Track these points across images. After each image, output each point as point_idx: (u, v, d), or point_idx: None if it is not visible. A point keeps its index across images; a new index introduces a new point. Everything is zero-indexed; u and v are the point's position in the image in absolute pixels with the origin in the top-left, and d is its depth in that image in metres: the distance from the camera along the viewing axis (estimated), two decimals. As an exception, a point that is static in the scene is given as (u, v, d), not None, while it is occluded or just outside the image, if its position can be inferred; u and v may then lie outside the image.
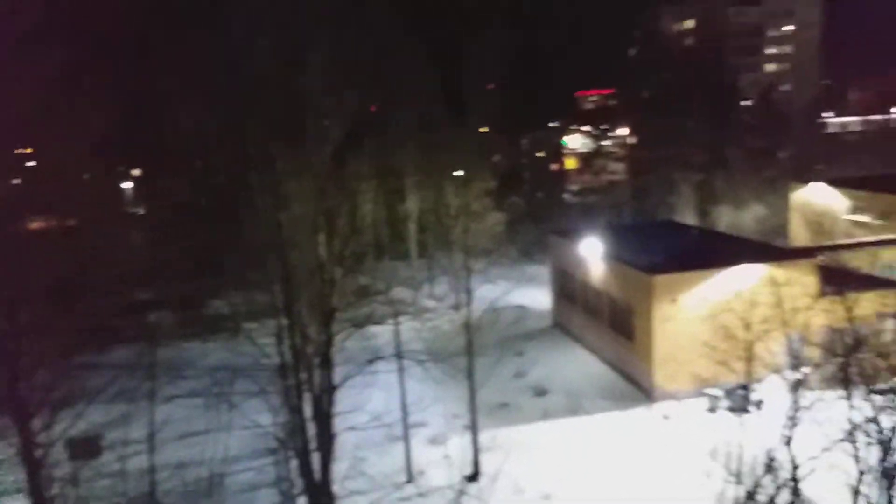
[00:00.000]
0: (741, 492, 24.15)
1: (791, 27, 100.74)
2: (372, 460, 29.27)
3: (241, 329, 25.76)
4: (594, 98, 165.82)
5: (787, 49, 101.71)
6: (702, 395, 32.19)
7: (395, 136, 52.47)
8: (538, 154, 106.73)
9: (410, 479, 28.04)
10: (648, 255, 36.31)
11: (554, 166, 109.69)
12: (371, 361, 25.84)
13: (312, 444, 24.38)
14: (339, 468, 26.88)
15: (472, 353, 28.11)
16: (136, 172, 71.24)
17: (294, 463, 24.37)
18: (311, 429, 24.81)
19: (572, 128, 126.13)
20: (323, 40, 24.10)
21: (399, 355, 28.05)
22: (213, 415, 30.32)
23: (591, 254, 39.19)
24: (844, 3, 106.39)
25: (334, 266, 25.93)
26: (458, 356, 30.23)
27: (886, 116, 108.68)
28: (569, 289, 44.27)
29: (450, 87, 56.85)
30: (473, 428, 28.27)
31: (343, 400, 27.49)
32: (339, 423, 26.15)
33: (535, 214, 73.80)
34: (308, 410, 25.22)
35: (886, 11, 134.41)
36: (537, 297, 50.53)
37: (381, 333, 37.15)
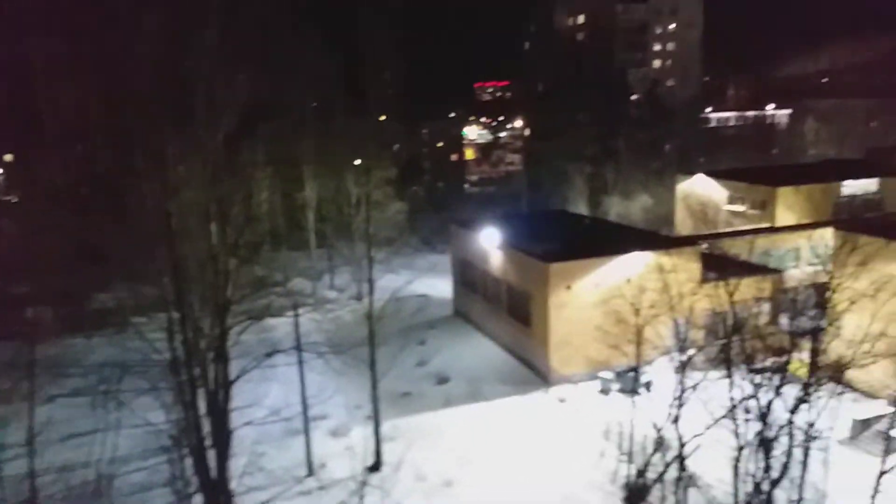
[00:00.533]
0: (633, 469, 25.45)
1: (674, 25, 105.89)
2: (271, 455, 28.60)
3: (129, 323, 24.51)
4: (490, 90, 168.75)
5: (671, 46, 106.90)
6: (595, 377, 33.53)
7: (292, 124, 51.20)
8: (438, 144, 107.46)
9: (311, 473, 27.63)
10: (544, 243, 37.32)
11: (454, 156, 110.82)
12: (269, 355, 25.13)
13: (208, 441, 23.56)
14: (236, 464, 26.08)
15: (373, 343, 27.97)
16: (8, 157, 65.98)
17: (189, 461, 23.45)
18: (207, 425, 23.98)
19: (471, 119, 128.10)
20: (213, 22, 23.17)
21: (298, 347, 27.47)
22: (100, 414, 28.65)
23: (490, 243, 39.88)
24: (723, 4, 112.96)
25: (228, 256, 25.04)
26: (359, 347, 30.00)
27: (761, 112, 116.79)
28: (469, 277, 44.89)
29: (348, 74, 56.19)
30: (375, 418, 28.17)
31: (240, 395, 26.66)
32: (235, 419, 25.33)
33: (437, 204, 74.42)
34: (203, 406, 24.33)
35: (761, 13, 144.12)
36: (439, 285, 50.92)
37: (280, 326, 36.36)
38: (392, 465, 27.47)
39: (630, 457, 25.97)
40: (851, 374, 25.12)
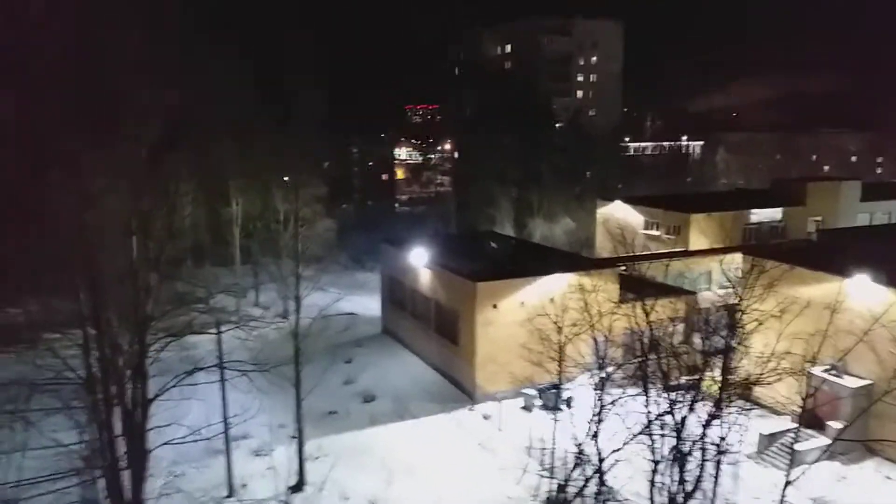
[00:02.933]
0: (554, 484, 26.03)
1: (596, 58, 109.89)
2: (190, 475, 27.76)
3: (41, 339, 23.41)
4: (421, 112, 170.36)
5: (594, 78, 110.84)
6: (519, 394, 34.14)
7: (218, 138, 50.25)
8: (369, 163, 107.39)
9: (232, 493, 26.97)
10: (472, 263, 37.93)
11: (384, 176, 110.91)
12: (190, 372, 24.48)
13: (123, 462, 22.71)
14: (152, 486, 25.20)
15: (298, 361, 27.64)
16: None
17: (102, 483, 22.54)
18: (122, 446, 23.11)
19: (402, 139, 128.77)
20: (136, 31, 22.71)
21: (221, 365, 26.89)
22: (5, 435, 27.05)
23: (420, 262, 40.19)
24: (643, 40, 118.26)
25: (149, 272, 24.41)
26: (285, 365, 29.56)
27: (676, 143, 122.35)
28: (398, 296, 44.99)
29: (277, 91, 55.82)
30: (299, 437, 27.80)
31: (159, 414, 25.82)
32: (153, 439, 24.56)
33: (366, 222, 74.17)
34: (118, 426, 23.44)
35: (677, 50, 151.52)
36: (368, 303, 50.69)
37: (202, 343, 35.25)
38: (315, 485, 27.14)
39: (551, 472, 26.54)
40: (758, 391, 26.59)
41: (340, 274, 58.70)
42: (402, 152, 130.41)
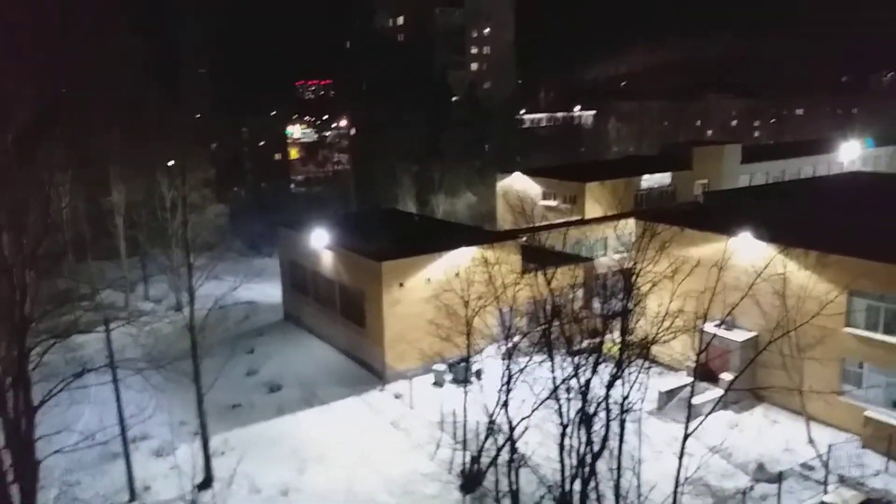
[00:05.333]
0: (468, 457, 26.26)
1: (489, 29, 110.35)
2: (86, 483, 26.15)
3: None
4: (313, 88, 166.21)
5: (487, 50, 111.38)
6: (429, 370, 34.17)
7: (97, 121, 47.00)
8: (260, 143, 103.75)
9: (134, 497, 25.64)
10: (375, 242, 37.39)
11: (277, 156, 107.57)
12: (78, 375, 22.96)
13: (10, 476, 21.12)
14: (45, 498, 23.66)
15: (197, 355, 26.41)
16: None
17: (-14, 500, 20.86)
18: (8, 458, 21.50)
19: (294, 117, 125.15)
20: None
21: (112, 365, 25.33)
22: None
23: (321, 244, 39.25)
24: (533, 9, 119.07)
25: (25, 269, 22.68)
26: (182, 360, 28.20)
27: (569, 114, 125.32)
28: (300, 280, 43.86)
29: (160, 68, 52.83)
30: (203, 433, 26.65)
31: (47, 421, 24.17)
32: (42, 448, 22.98)
33: (261, 205, 71.80)
34: (2, 437, 21.78)
35: (570, 17, 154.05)
36: (267, 290, 49.18)
37: (90, 342, 33.24)
38: (224, 481, 26.22)
39: (464, 444, 26.76)
40: (656, 350, 27.63)
41: (236, 261, 56.61)
42: (295, 130, 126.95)
